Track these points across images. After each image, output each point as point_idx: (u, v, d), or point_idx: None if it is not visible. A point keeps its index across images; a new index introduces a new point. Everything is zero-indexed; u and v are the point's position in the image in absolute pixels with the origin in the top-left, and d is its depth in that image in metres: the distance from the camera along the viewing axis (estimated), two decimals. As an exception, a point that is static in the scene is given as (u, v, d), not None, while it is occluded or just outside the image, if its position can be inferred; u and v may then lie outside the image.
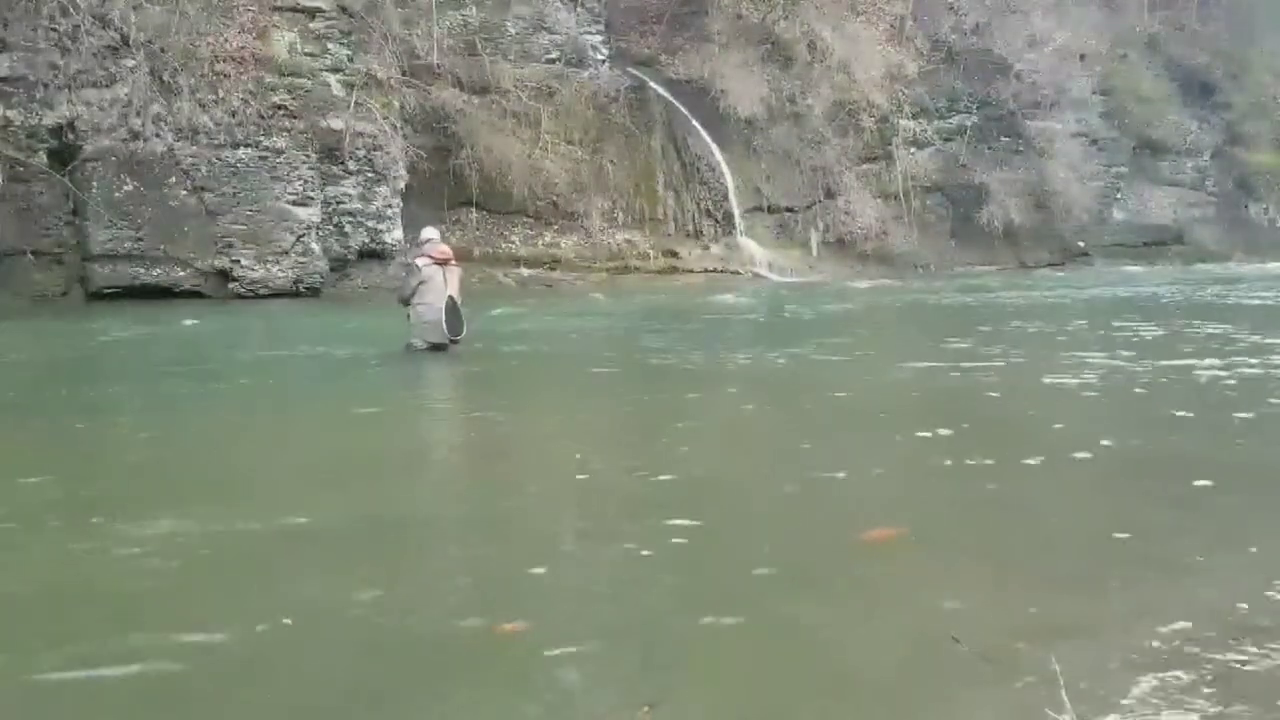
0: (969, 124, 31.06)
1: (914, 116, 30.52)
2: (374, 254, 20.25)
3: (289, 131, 18.60)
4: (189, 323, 14.17)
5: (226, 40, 18.45)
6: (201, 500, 4.31)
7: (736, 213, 26.36)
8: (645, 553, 3.47)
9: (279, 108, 18.65)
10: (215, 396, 7.80)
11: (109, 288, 17.21)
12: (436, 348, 9.53)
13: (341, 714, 2.37)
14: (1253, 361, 8.30)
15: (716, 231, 26.24)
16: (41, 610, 3.08)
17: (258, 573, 3.37)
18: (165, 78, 17.60)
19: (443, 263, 9.64)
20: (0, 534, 3.86)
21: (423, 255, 9.72)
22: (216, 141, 17.88)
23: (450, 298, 9.50)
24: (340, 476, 4.83)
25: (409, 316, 9.65)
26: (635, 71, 26.40)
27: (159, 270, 17.59)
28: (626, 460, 5.20)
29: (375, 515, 4.05)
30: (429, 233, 10.34)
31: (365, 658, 2.64)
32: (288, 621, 2.84)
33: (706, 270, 24.79)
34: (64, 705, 2.43)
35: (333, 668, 2.61)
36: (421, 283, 9.50)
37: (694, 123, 25.98)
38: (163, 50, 17.69)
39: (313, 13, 19.43)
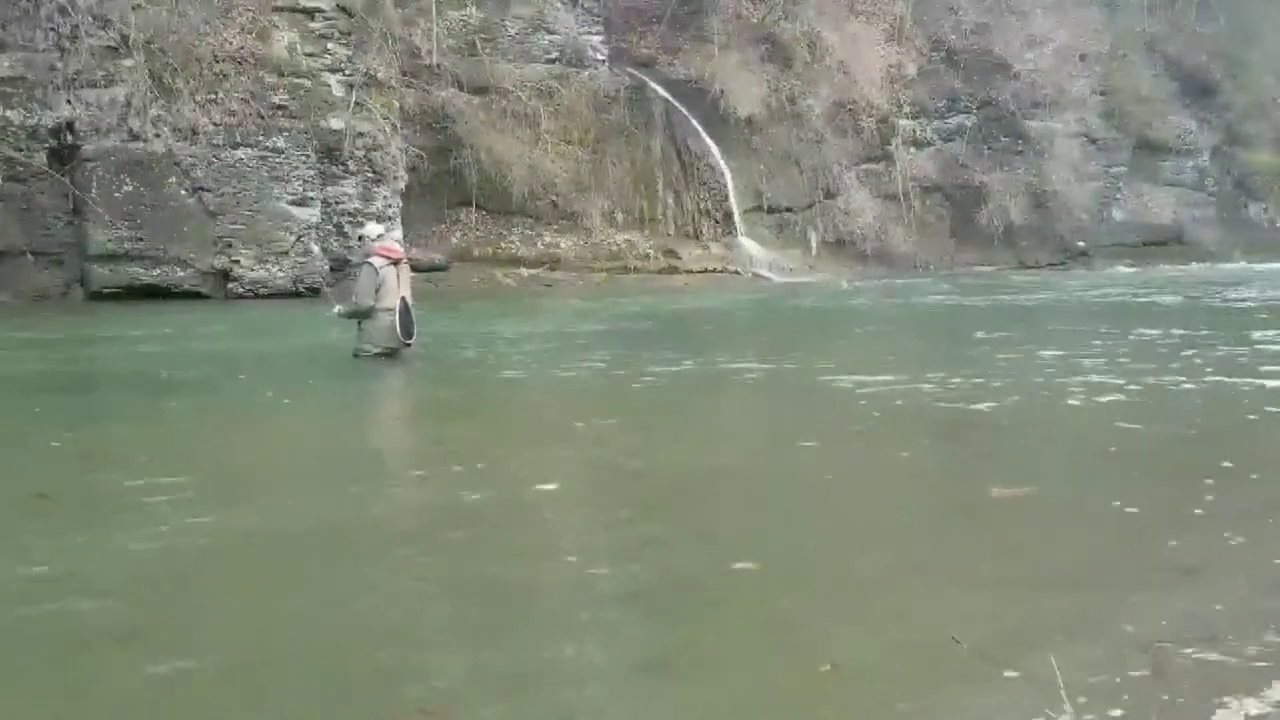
0: (969, 124, 31.06)
1: (914, 116, 30.54)
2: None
3: (289, 131, 18.60)
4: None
5: (226, 40, 18.44)
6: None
7: (736, 213, 26.35)
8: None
9: (279, 108, 18.65)
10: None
11: (109, 288, 17.21)
12: (389, 354, 8.76)
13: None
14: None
15: (716, 231, 26.24)
16: None
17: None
18: (165, 78, 17.60)
19: (396, 261, 8.87)
20: None
21: (375, 254, 8.84)
22: (216, 142, 17.88)
23: (403, 298, 8.74)
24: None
25: (360, 322, 8.79)
26: (635, 71, 26.39)
27: (159, 270, 17.58)
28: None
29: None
30: (376, 229, 9.37)
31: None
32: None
33: (706, 270, 24.79)
34: None
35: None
36: (380, 284, 8.66)
37: (694, 123, 25.99)
38: (162, 51, 17.70)
39: (313, 13, 19.42)
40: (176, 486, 4.44)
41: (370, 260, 8.77)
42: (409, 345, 8.82)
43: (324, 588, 3.23)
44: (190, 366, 9.53)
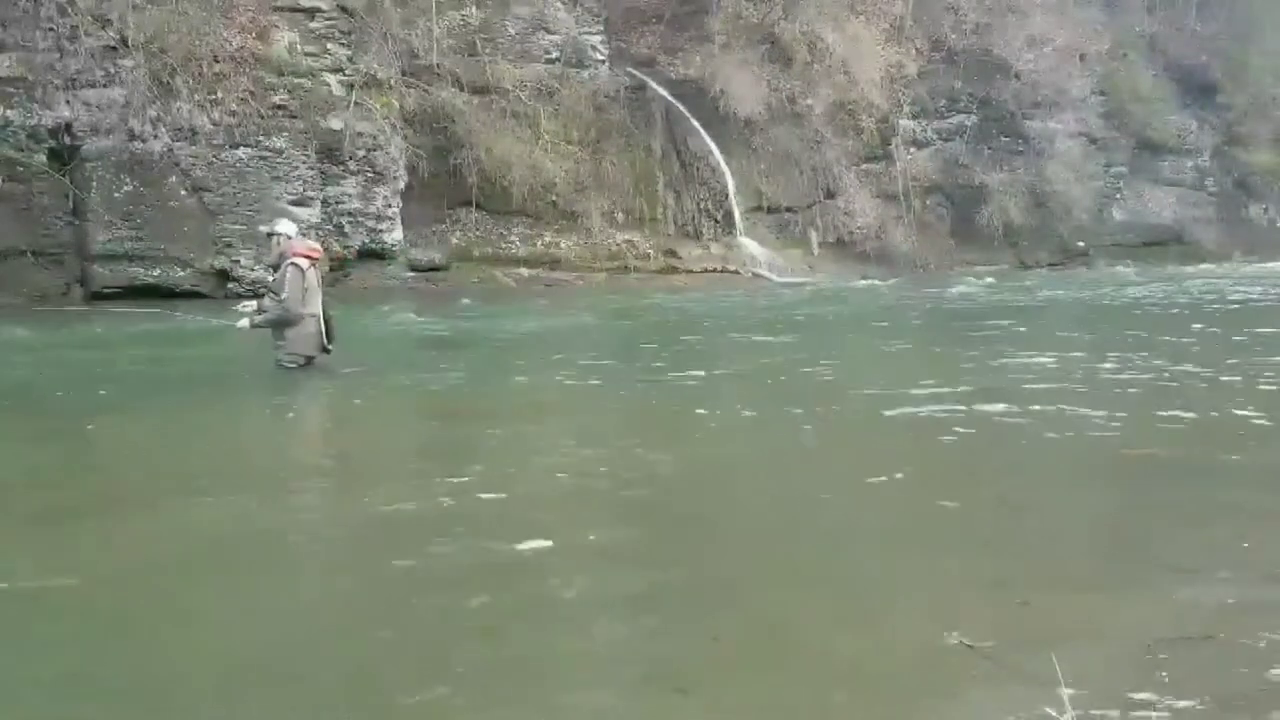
0: (969, 124, 31.03)
1: (914, 116, 30.50)
2: (374, 254, 20.26)
3: (289, 131, 18.57)
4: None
5: (226, 40, 18.41)
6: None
7: (737, 213, 26.32)
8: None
9: (279, 108, 18.62)
10: None
11: (109, 288, 17.21)
12: (310, 361, 8.15)
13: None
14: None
15: (716, 231, 26.21)
16: None
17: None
18: (164, 78, 17.58)
19: (314, 261, 8.24)
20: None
21: (295, 255, 8.09)
22: (216, 141, 17.86)
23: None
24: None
25: (278, 330, 8.12)
26: (635, 71, 26.36)
27: (159, 270, 17.58)
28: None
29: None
30: (290, 226, 8.63)
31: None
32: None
33: (706, 270, 24.78)
34: None
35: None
36: (306, 288, 8.01)
37: (694, 123, 25.95)
38: (162, 51, 17.67)
39: (313, 13, 19.40)
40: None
41: (294, 261, 8.03)
42: (329, 352, 8.24)
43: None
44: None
